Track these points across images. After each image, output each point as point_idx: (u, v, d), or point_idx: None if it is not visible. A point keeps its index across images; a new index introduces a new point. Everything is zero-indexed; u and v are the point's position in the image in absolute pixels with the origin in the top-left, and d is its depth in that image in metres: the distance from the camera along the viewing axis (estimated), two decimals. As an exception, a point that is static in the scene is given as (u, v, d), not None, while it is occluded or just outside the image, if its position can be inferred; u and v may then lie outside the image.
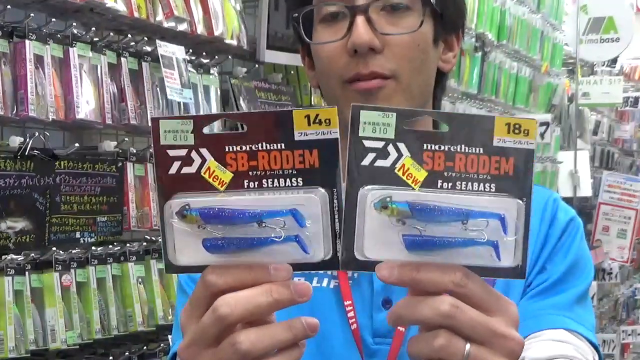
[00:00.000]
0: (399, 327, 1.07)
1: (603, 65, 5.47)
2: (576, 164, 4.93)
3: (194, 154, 0.77)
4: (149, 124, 1.84)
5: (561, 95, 5.22)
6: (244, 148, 0.76)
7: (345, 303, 1.10)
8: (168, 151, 0.77)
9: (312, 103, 2.57)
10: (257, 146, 0.76)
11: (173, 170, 0.77)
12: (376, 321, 1.11)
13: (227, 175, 0.77)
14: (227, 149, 0.76)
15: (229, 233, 0.76)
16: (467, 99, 3.85)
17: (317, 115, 0.75)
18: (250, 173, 0.76)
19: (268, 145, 0.76)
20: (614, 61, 5.54)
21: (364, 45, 1.08)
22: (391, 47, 1.11)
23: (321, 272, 1.02)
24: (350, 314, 1.10)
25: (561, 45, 5.16)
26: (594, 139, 5.93)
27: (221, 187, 0.77)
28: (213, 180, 0.77)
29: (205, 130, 0.76)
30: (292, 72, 2.53)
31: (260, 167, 0.76)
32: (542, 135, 4.36)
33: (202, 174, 0.77)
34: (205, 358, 0.77)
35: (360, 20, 1.09)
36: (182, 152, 0.77)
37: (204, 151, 0.77)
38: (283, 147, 0.76)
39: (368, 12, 1.09)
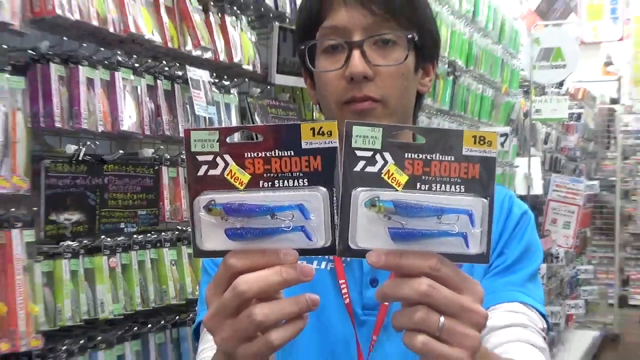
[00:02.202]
0: (384, 303, 1.08)
1: (552, 87, 5.51)
2: (530, 168, 4.97)
3: (218, 159, 0.77)
4: (181, 135, 1.87)
5: (518, 111, 5.29)
6: (260, 154, 0.77)
7: (340, 282, 1.12)
8: (197, 157, 0.77)
9: (314, 117, 2.58)
10: (270, 153, 0.76)
11: (201, 172, 0.77)
12: (365, 297, 1.12)
13: (245, 177, 0.77)
14: (246, 155, 0.77)
15: (246, 224, 0.77)
16: (441, 114, 3.90)
17: (320, 128, 0.76)
18: (265, 175, 0.77)
19: (280, 152, 0.76)
20: (560, 84, 5.57)
21: (359, 75, 1.10)
22: (381, 76, 1.12)
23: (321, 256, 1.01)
24: (344, 291, 1.11)
25: (518, 71, 5.25)
26: (544, 148, 5.97)
27: (241, 186, 0.77)
28: (234, 180, 0.77)
29: (228, 139, 0.77)
30: (297, 92, 2.53)
31: (273, 170, 0.77)
32: (502, 145, 4.45)
33: (225, 175, 0.77)
34: (225, 327, 0.78)
35: (356, 53, 1.10)
36: (209, 158, 0.77)
37: (227, 157, 0.77)
38: (292, 154, 0.76)
39: (363, 47, 1.11)
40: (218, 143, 0.77)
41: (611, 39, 5.44)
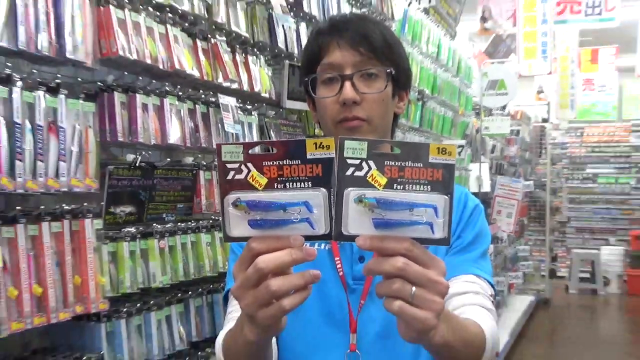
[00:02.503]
0: (369, 276, 1.07)
1: (497, 110, 5.53)
2: (480, 171, 5.00)
3: (242, 167, 0.77)
4: (214, 147, 1.90)
5: (471, 128, 5.27)
6: (274, 163, 0.77)
7: (335, 259, 1.11)
8: (227, 164, 0.77)
9: (315, 133, 2.57)
10: (283, 162, 0.77)
11: (229, 176, 0.77)
12: (355, 270, 1.12)
13: (263, 180, 0.77)
14: (264, 164, 0.77)
15: (264, 216, 0.77)
16: (412, 130, 3.90)
17: (321, 143, 0.77)
18: (278, 179, 0.77)
19: (290, 162, 0.77)
20: (504, 107, 5.59)
21: (350, 100, 1.10)
22: (367, 101, 1.12)
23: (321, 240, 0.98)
24: (338, 266, 1.11)
25: (471, 97, 5.22)
26: (491, 156, 5.98)
27: (260, 187, 0.77)
28: (255, 183, 0.77)
29: (250, 151, 0.77)
30: (303, 114, 2.53)
31: (285, 175, 0.77)
32: (459, 154, 4.45)
33: (248, 179, 0.77)
34: (248, 296, 0.79)
35: (347, 84, 1.10)
36: (236, 165, 0.77)
37: (249, 165, 0.77)
38: (299, 162, 0.77)
39: (352, 79, 1.11)
40: (242, 154, 0.77)
41: (542, 73, 5.45)
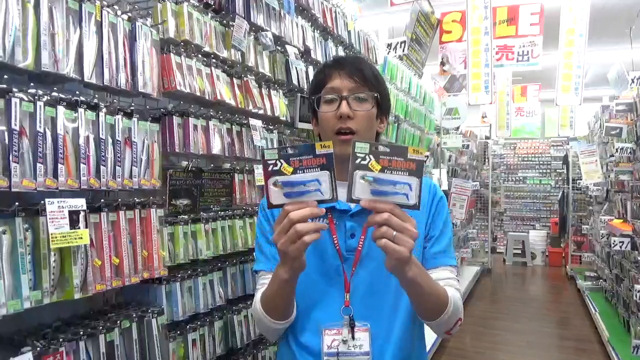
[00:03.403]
0: (361, 238, 1.08)
1: (452, 130, 5.56)
2: (440, 175, 5.00)
3: (277, 162, 0.87)
4: (246, 156, 1.92)
5: (434, 143, 5.25)
6: (297, 158, 0.87)
7: (333, 236, 1.11)
8: (268, 161, 0.87)
9: None
10: (302, 157, 0.87)
11: (269, 168, 0.87)
12: (347, 243, 1.11)
13: (290, 169, 0.87)
14: (290, 159, 0.87)
15: (292, 190, 0.87)
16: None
17: (324, 144, 0.87)
18: (299, 167, 0.87)
19: (306, 157, 0.87)
20: (457, 128, 5.61)
21: (345, 114, 1.10)
22: (357, 117, 1.11)
23: (322, 215, 0.99)
24: (335, 241, 1.10)
25: (434, 121, 5.21)
26: (448, 163, 5.95)
27: (288, 173, 0.87)
28: (285, 170, 0.87)
29: (281, 152, 0.87)
30: (310, 132, 2.51)
31: (303, 164, 0.87)
32: (426, 161, 4.46)
33: (281, 169, 0.87)
34: (283, 237, 0.88)
35: (344, 102, 1.10)
36: (273, 161, 0.87)
37: (281, 160, 0.87)
38: (312, 156, 0.87)
39: (348, 99, 1.10)
40: (277, 154, 0.87)
41: (485, 103, 5.43)
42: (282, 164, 0.86)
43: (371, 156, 0.85)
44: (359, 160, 0.85)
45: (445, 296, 1.03)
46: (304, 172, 0.86)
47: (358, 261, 1.09)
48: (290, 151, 0.88)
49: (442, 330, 1.06)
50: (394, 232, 0.86)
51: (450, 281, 1.11)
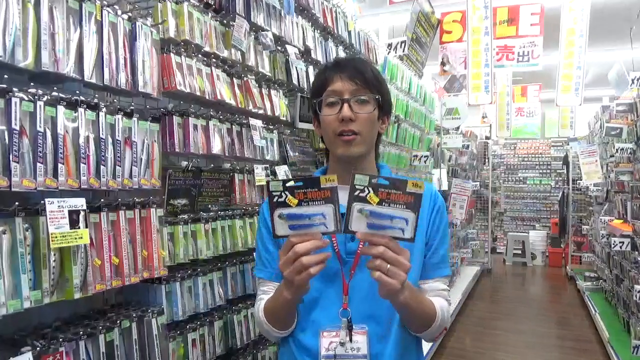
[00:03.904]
0: (360, 255, 1.09)
1: (453, 130, 5.56)
2: (440, 175, 5.00)
3: (282, 194, 0.89)
4: (246, 156, 1.91)
5: (434, 143, 5.24)
6: (302, 190, 0.88)
7: (333, 239, 1.11)
8: (273, 193, 0.89)
9: (319, 146, 2.52)
10: (306, 189, 0.88)
11: (275, 200, 0.89)
12: (347, 247, 1.12)
13: (295, 201, 0.88)
14: (295, 191, 0.88)
15: (297, 223, 0.88)
16: (390, 145, 3.88)
17: (328, 177, 0.88)
18: (304, 200, 0.88)
19: (311, 189, 0.88)
20: (457, 128, 5.62)
21: (347, 117, 1.09)
22: (359, 119, 1.11)
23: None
24: (335, 244, 1.11)
25: (434, 121, 5.20)
26: (448, 163, 5.95)
27: (293, 205, 0.88)
28: (290, 203, 0.88)
29: (287, 184, 0.88)
30: (310, 132, 2.51)
31: (308, 197, 0.88)
32: (425, 162, 4.39)
33: (286, 200, 0.88)
34: (288, 268, 0.91)
35: (345, 105, 1.10)
36: (278, 192, 0.89)
37: (286, 192, 0.88)
38: (317, 189, 0.88)
39: (349, 102, 1.10)
40: (281, 187, 0.88)
41: (485, 103, 5.43)
42: (287, 195, 0.88)
43: (370, 188, 0.86)
44: (357, 192, 0.86)
45: (433, 312, 1.07)
46: (308, 204, 0.87)
47: (357, 264, 1.09)
48: (295, 184, 0.88)
49: (428, 339, 1.13)
50: (388, 266, 0.88)
51: (442, 292, 1.14)
